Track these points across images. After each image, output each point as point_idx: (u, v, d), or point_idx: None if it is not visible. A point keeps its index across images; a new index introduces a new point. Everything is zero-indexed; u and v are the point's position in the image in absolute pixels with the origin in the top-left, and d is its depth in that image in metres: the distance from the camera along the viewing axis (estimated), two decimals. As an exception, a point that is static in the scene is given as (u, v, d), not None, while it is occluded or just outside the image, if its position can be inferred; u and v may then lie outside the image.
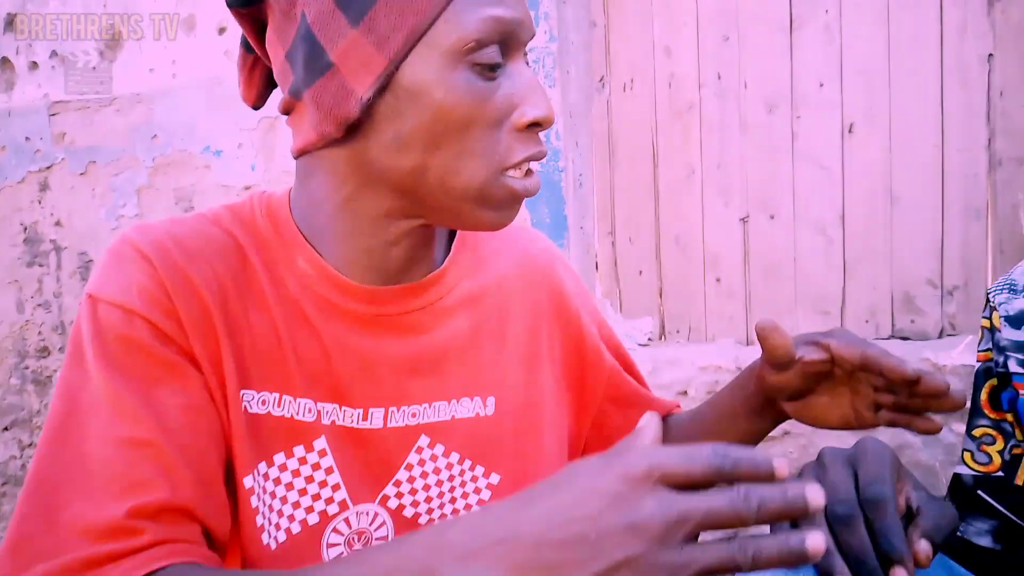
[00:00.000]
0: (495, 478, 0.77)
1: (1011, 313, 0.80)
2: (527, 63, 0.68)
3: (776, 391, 0.76)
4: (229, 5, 0.69)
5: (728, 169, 2.08)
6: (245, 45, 0.74)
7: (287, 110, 0.69)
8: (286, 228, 0.72)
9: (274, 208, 0.73)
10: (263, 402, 0.68)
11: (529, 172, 0.68)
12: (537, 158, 0.67)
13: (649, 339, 2.15)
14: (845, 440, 1.83)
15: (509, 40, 0.65)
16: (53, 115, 2.28)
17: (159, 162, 2.20)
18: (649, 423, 0.51)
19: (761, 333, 0.71)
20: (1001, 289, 0.81)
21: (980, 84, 1.92)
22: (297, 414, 0.69)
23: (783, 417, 0.80)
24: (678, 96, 2.10)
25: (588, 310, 0.88)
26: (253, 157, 2.11)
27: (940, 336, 1.98)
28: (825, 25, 1.99)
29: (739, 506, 0.44)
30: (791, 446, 1.84)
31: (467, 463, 0.76)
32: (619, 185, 2.17)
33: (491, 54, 0.63)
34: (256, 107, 0.76)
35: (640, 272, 2.19)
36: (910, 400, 0.69)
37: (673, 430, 0.90)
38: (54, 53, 2.28)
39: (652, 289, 2.18)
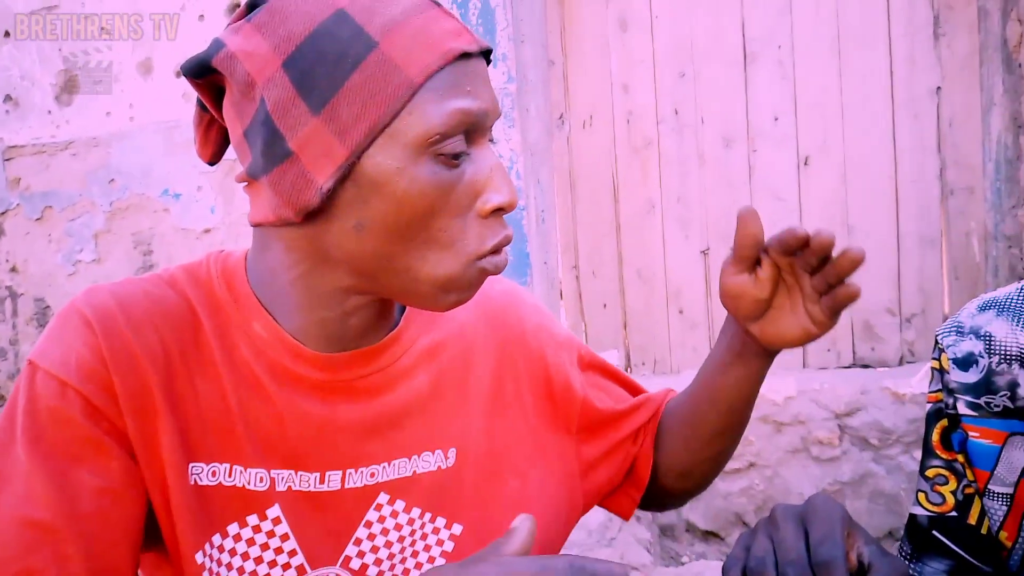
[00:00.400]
0: (457, 528, 0.77)
1: (959, 355, 0.81)
2: (491, 143, 0.68)
3: (739, 306, 0.75)
4: (184, 73, 0.68)
5: (688, 202, 2.11)
6: (201, 104, 0.73)
7: (244, 181, 0.68)
8: (242, 292, 0.71)
9: (230, 271, 0.72)
10: (213, 473, 0.67)
11: (498, 251, 0.67)
12: (506, 243, 0.67)
13: (615, 372, 2.15)
14: (809, 471, 1.84)
15: (474, 129, 0.64)
16: (8, 160, 2.25)
17: (117, 206, 2.18)
18: (521, 526, 0.51)
19: (743, 217, 0.72)
20: (949, 331, 0.83)
21: (930, 116, 1.97)
22: (249, 483, 0.68)
23: (763, 354, 0.79)
24: (637, 132, 2.12)
25: (554, 343, 0.86)
26: (213, 200, 2.10)
27: (900, 363, 2.01)
28: (778, 60, 2.03)
29: None
30: (756, 478, 1.85)
31: (427, 516, 0.76)
32: (581, 220, 2.19)
33: (456, 144, 0.62)
34: (212, 163, 0.75)
35: (604, 305, 2.20)
36: (826, 275, 0.70)
37: (668, 418, 0.89)
38: (8, 97, 2.26)
39: (617, 322, 2.19)
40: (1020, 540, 0.79)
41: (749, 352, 0.80)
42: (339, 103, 0.60)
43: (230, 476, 0.68)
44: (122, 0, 2.13)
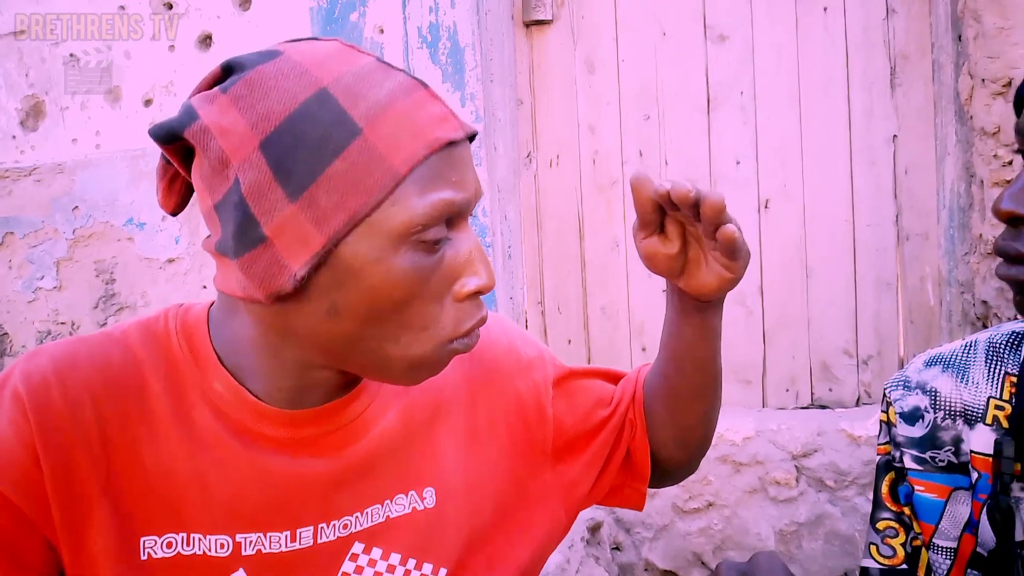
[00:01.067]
0: (443, 573, 0.76)
1: (905, 410, 0.83)
2: (470, 225, 0.67)
3: (658, 265, 0.76)
4: (153, 138, 0.65)
5: (652, 242, 2.13)
6: (165, 157, 0.70)
7: (210, 249, 0.66)
8: (202, 351, 0.69)
9: (190, 328, 0.70)
10: (169, 544, 0.66)
11: (473, 334, 0.67)
12: (480, 325, 0.66)
13: (578, 408, 2.16)
14: (767, 511, 1.86)
15: (456, 216, 0.64)
16: (-32, 185, 2.22)
17: (80, 234, 2.15)
18: None
19: (634, 185, 0.71)
20: (896, 385, 0.85)
21: (886, 163, 2.02)
22: (210, 550, 0.66)
23: (701, 308, 0.80)
24: (602, 172, 2.16)
25: (524, 366, 0.85)
26: (178, 230, 2.08)
27: (857, 403, 2.05)
28: (741, 106, 2.08)
29: None
30: (715, 518, 1.87)
31: (411, 562, 0.74)
32: (548, 257, 2.21)
33: (437, 232, 0.62)
34: (174, 214, 0.74)
35: (569, 341, 2.22)
36: (704, 223, 0.71)
37: (648, 397, 0.88)
38: (-29, 122, 2.23)
39: (581, 358, 2.21)
40: (963, 593, 0.81)
41: (689, 308, 0.80)
42: (318, 191, 0.59)
43: (188, 545, 0.66)
44: (91, 28, 2.12)
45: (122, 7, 2.03)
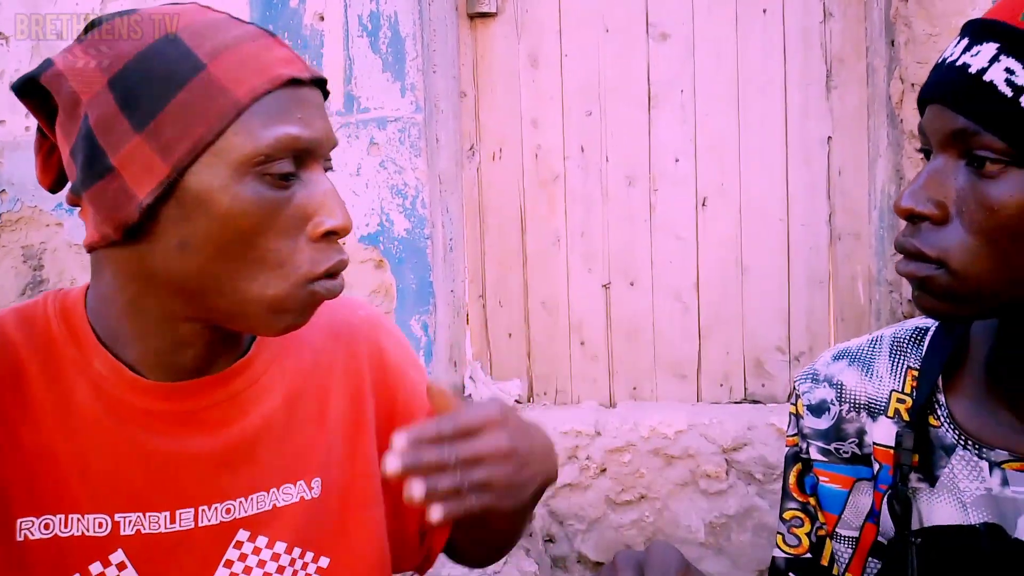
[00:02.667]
0: (324, 562, 0.76)
1: (812, 402, 0.85)
2: (327, 168, 0.68)
3: None
4: (13, 91, 0.67)
5: (591, 237, 2.15)
6: (40, 129, 0.71)
7: (73, 204, 0.68)
8: (81, 330, 0.69)
9: (68, 309, 0.70)
10: (46, 526, 0.65)
11: (333, 276, 0.68)
12: (340, 268, 0.67)
13: (518, 401, 2.17)
14: (697, 504, 1.89)
15: (304, 154, 0.65)
16: None
17: (7, 218, 2.09)
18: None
19: (429, 392, 0.70)
20: (805, 379, 0.87)
21: (821, 163, 2.07)
22: (88, 530, 0.66)
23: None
24: (544, 167, 2.16)
25: (408, 382, 0.86)
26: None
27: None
28: (680, 104, 2.10)
29: None
30: (647, 510, 1.90)
31: (296, 551, 0.75)
32: (489, 250, 2.21)
33: (283, 166, 0.63)
34: (53, 191, 0.74)
35: (510, 335, 2.23)
36: None
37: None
38: None
39: (521, 352, 2.22)
40: (864, 581, 0.83)
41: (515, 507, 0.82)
42: (163, 121, 0.61)
43: (66, 527, 0.66)
44: (22, 4, 2.06)
45: (54, -14, 1.98)
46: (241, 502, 0.72)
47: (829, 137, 2.06)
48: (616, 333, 2.16)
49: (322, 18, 1.88)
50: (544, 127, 2.16)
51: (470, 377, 2.15)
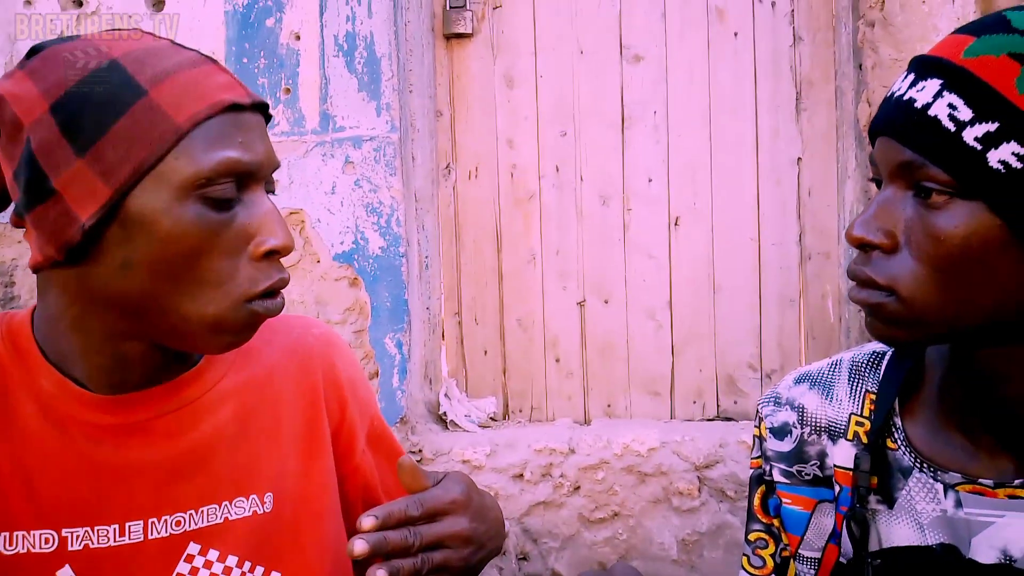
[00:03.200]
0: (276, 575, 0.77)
1: (775, 425, 0.87)
2: (269, 190, 0.70)
3: None
4: None
5: (566, 255, 2.17)
6: None
7: (17, 225, 0.69)
8: (27, 350, 0.71)
9: (15, 330, 0.72)
10: None
11: (272, 295, 0.69)
12: (279, 287, 0.69)
13: (492, 418, 2.18)
14: (670, 521, 1.91)
15: (245, 177, 0.67)
16: None
17: (-22, 234, 2.08)
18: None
19: (400, 468, 0.72)
20: (768, 401, 0.89)
21: (791, 184, 2.10)
22: (34, 547, 0.67)
23: None
24: (520, 185, 2.18)
25: (360, 401, 0.88)
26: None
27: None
28: (654, 125, 2.13)
29: None
30: (620, 527, 1.91)
31: (247, 565, 0.75)
32: (465, 268, 2.22)
33: (224, 190, 0.65)
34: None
35: (485, 352, 2.24)
36: None
37: None
38: None
39: (496, 369, 2.23)
40: (826, 601, 0.85)
41: None
42: (104, 146, 0.63)
43: (11, 544, 0.67)
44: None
45: (29, 2, 1.97)
46: (192, 515, 0.73)
47: (799, 158, 2.10)
48: (591, 350, 2.18)
49: (298, 37, 1.89)
50: (519, 146, 2.18)
51: (445, 394, 2.15)
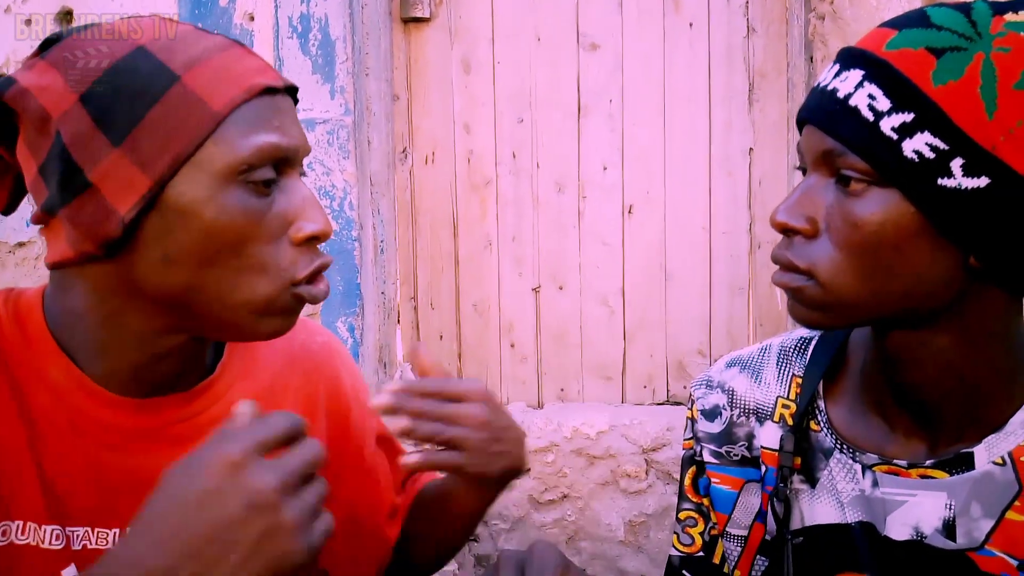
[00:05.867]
0: None
1: (706, 407, 0.90)
2: (301, 174, 0.69)
3: None
4: None
5: (522, 242, 2.19)
6: None
7: (39, 222, 0.66)
8: (37, 336, 0.68)
9: (23, 313, 0.68)
10: (4, 532, 0.64)
11: (316, 279, 0.68)
12: (322, 269, 0.68)
13: (447, 403, 2.19)
14: (618, 503, 1.94)
15: (283, 162, 0.66)
16: None
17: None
18: (241, 411, 0.55)
19: (414, 355, 0.77)
20: (700, 384, 0.91)
21: (742, 174, 2.14)
22: (43, 542, 0.65)
23: (491, 484, 0.85)
24: (477, 171, 2.19)
25: (361, 408, 0.88)
26: (29, 212, 1.99)
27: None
28: (609, 114, 2.15)
29: (315, 448, 0.54)
30: (569, 509, 1.94)
31: None
32: (421, 253, 2.23)
33: (264, 173, 0.64)
34: (6, 213, 0.71)
35: (441, 337, 2.25)
36: None
37: (427, 504, 0.93)
38: None
39: (452, 353, 2.24)
40: (751, 578, 0.88)
41: (475, 482, 0.84)
42: (140, 135, 0.61)
43: (23, 534, 0.65)
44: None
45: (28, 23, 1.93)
46: None
47: (751, 149, 2.13)
48: (545, 336, 2.20)
49: (252, 18, 1.87)
50: (477, 132, 2.18)
51: (400, 378, 2.16)
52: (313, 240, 0.67)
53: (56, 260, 0.65)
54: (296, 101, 0.71)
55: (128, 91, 0.61)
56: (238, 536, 0.49)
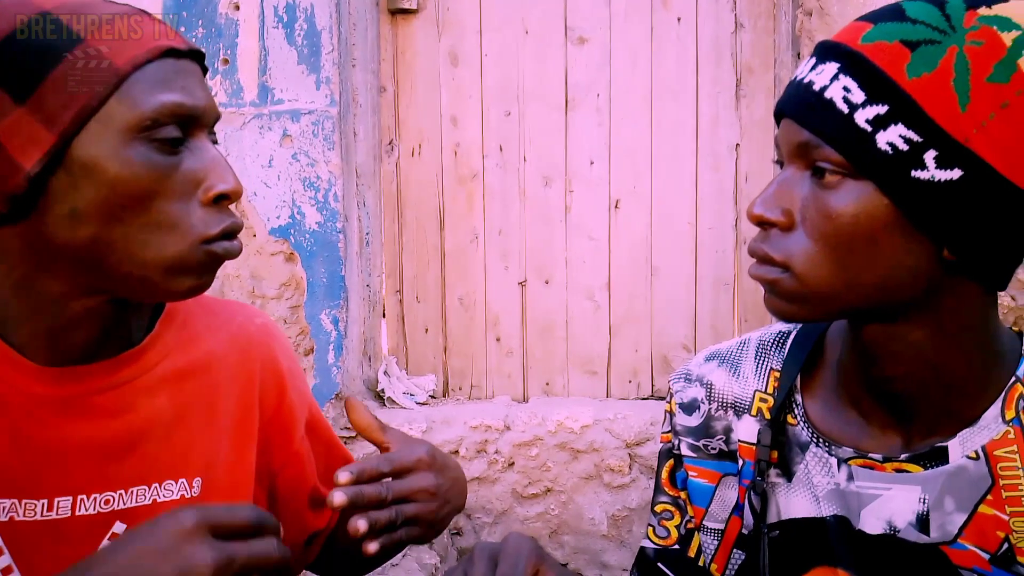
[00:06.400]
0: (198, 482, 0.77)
1: (684, 401, 0.90)
2: (212, 141, 0.70)
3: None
4: None
5: (508, 235, 2.18)
6: None
7: None
8: None
9: None
10: None
11: (229, 237, 0.69)
12: (233, 230, 0.69)
13: (432, 395, 2.19)
14: (601, 497, 1.94)
15: (189, 122, 0.67)
16: None
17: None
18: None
19: (348, 406, 0.80)
20: (679, 378, 0.91)
21: (728, 169, 2.14)
22: None
23: None
24: (463, 164, 2.19)
25: (298, 391, 0.89)
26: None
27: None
28: (596, 108, 2.15)
29: (270, 548, 0.56)
30: (552, 503, 1.94)
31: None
32: (407, 246, 2.22)
33: (169, 131, 0.65)
34: None
35: (426, 330, 2.24)
36: None
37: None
38: None
39: (437, 347, 2.24)
40: (728, 573, 0.88)
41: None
42: (44, 92, 0.62)
43: None
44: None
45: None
46: (121, 494, 0.73)
47: (737, 144, 2.13)
48: (531, 330, 2.20)
49: (237, 7, 1.86)
50: (464, 125, 2.18)
51: (385, 372, 2.16)
52: (223, 199, 0.68)
53: None
54: (205, 70, 0.72)
55: (32, 51, 0.63)
56: None
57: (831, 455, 0.79)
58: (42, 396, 0.69)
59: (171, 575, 0.52)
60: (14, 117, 0.62)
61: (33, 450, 0.69)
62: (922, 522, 0.74)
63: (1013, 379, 0.73)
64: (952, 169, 0.63)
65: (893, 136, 0.64)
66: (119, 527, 0.73)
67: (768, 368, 0.86)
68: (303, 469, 0.89)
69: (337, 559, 0.93)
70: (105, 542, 0.72)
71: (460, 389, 2.23)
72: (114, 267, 0.66)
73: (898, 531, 0.75)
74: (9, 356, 0.68)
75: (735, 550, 0.88)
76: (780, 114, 0.72)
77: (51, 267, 0.66)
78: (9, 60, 0.62)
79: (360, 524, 0.68)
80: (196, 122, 0.67)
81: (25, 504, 0.68)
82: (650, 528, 0.93)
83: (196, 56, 0.70)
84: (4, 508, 0.68)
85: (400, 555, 1.70)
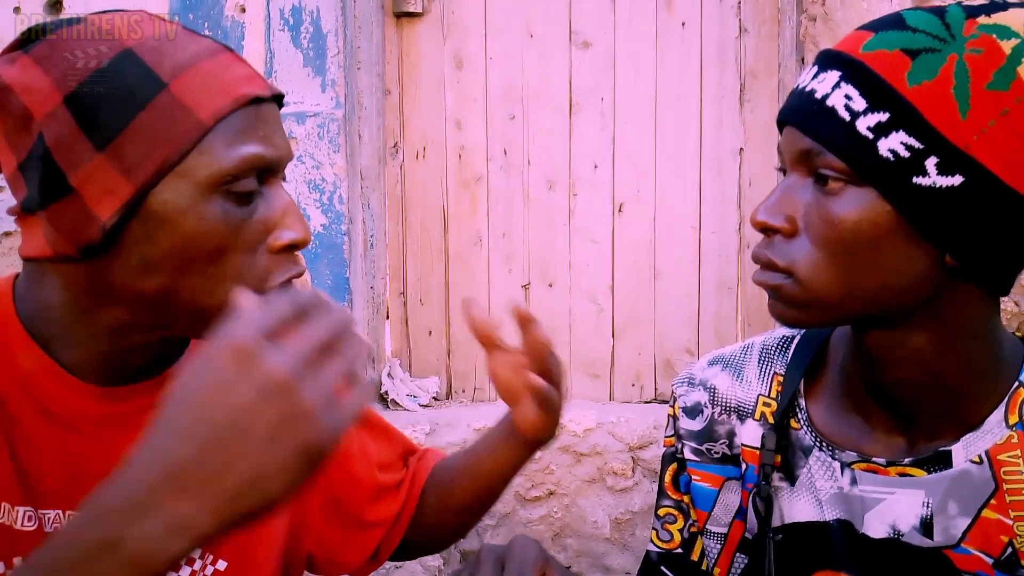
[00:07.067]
0: (222, 564, 0.77)
1: (688, 405, 0.90)
2: (283, 182, 0.70)
3: (498, 386, 0.84)
4: None
5: (512, 239, 2.19)
6: None
7: (12, 214, 0.66)
8: (7, 323, 0.68)
9: None
10: None
11: (288, 285, 0.69)
12: (296, 277, 0.69)
13: (436, 398, 2.19)
14: (604, 500, 1.95)
15: (267, 171, 0.66)
16: None
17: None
18: (242, 299, 0.51)
19: (464, 306, 0.83)
20: (682, 382, 0.92)
21: (732, 174, 2.14)
22: (17, 522, 0.66)
23: (526, 442, 0.87)
24: (467, 167, 2.19)
25: None
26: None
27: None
28: (600, 112, 2.15)
29: (337, 319, 0.49)
30: (555, 506, 1.94)
31: (196, 552, 0.76)
32: (411, 248, 2.23)
33: (247, 184, 0.64)
34: None
35: (430, 332, 2.25)
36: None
37: (428, 488, 0.95)
38: None
39: (441, 349, 2.24)
40: None
41: (514, 438, 0.87)
42: (125, 141, 0.61)
43: None
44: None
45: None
46: None
47: (741, 149, 2.14)
48: (533, 333, 2.20)
49: (243, 10, 1.86)
50: (468, 128, 2.18)
51: (388, 374, 2.16)
52: (291, 248, 0.67)
53: (32, 255, 0.65)
54: (282, 107, 0.71)
55: (114, 96, 0.61)
56: (254, 425, 0.45)
57: (834, 459, 0.79)
58: (88, 414, 0.69)
59: (253, 399, 0.45)
60: (93, 165, 0.61)
61: (78, 464, 0.69)
62: (926, 526, 0.75)
63: (1016, 384, 0.74)
64: (953, 176, 0.64)
65: (894, 143, 0.65)
66: None
67: (771, 372, 0.86)
68: (352, 467, 0.89)
69: (426, 531, 0.94)
70: None
71: (463, 391, 2.24)
72: (176, 312, 0.65)
73: (902, 535, 0.76)
74: (58, 374, 0.68)
75: (738, 554, 0.88)
76: (783, 122, 0.73)
77: (113, 304, 0.66)
78: (92, 104, 0.61)
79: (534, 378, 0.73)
80: (272, 171, 0.67)
81: (69, 516, 0.69)
82: (653, 532, 0.93)
83: (277, 98, 0.69)
84: (50, 519, 0.68)
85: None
